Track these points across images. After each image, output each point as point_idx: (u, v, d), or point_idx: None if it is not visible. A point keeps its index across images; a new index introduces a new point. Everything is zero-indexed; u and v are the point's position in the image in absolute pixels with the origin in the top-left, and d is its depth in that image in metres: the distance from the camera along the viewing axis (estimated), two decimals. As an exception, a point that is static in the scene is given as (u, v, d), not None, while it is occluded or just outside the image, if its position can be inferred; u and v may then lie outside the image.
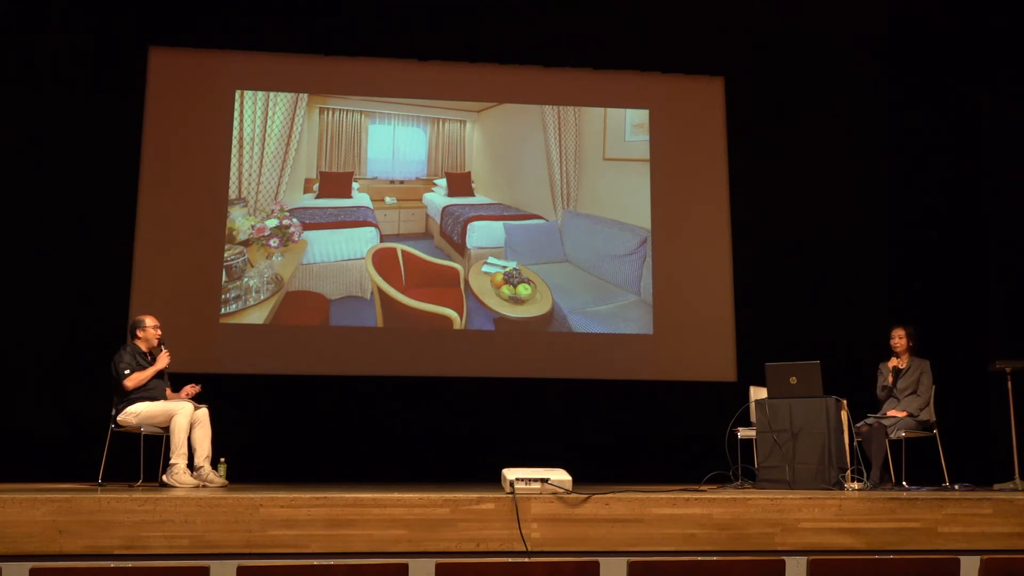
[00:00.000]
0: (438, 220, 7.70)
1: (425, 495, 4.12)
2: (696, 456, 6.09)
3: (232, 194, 7.48)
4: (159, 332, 5.71)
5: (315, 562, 3.34)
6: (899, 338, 6.20)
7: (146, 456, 5.54)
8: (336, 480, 6.44)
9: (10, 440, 6.52)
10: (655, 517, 4.18)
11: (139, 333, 5.69)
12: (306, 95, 7.69)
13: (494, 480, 4.59)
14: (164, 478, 5.33)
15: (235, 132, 7.56)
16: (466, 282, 7.60)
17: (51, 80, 7.22)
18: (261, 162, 7.57)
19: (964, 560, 3.27)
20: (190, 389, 5.68)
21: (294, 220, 7.52)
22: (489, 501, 4.10)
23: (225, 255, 7.37)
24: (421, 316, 7.49)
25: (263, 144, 7.60)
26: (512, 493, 4.15)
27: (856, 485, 5.36)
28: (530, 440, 6.86)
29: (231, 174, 7.50)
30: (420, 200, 7.72)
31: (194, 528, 3.92)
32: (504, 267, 7.67)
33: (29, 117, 7.14)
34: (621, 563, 3.36)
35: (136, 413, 5.43)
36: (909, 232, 7.82)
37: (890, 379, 6.16)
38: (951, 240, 7.81)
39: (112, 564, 3.46)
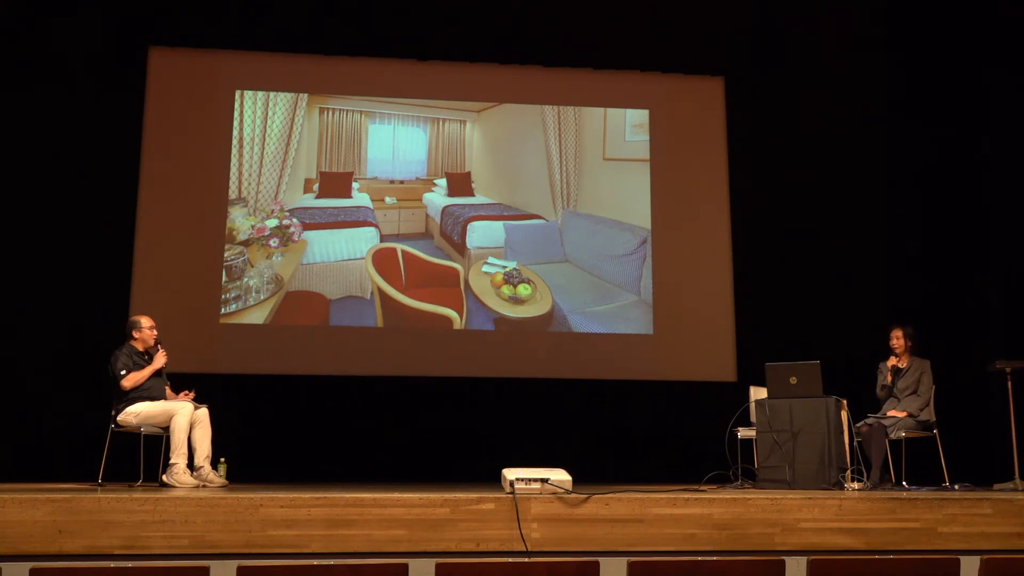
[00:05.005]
0: (438, 220, 7.70)
1: (425, 495, 4.11)
2: (696, 456, 6.09)
3: (232, 194, 7.48)
4: (155, 333, 5.70)
5: (315, 562, 3.33)
6: (897, 338, 6.20)
7: (146, 456, 5.54)
8: (336, 480, 6.44)
9: (10, 440, 6.53)
10: (655, 517, 4.18)
11: (135, 334, 5.68)
12: (306, 95, 7.69)
13: (494, 480, 4.59)
14: (164, 478, 5.33)
15: (235, 132, 7.56)
16: (466, 282, 7.59)
17: (51, 80, 7.22)
18: (261, 162, 7.57)
19: (964, 560, 3.26)
20: (183, 397, 5.63)
21: (294, 220, 7.52)
22: (489, 501, 4.10)
23: (225, 255, 7.37)
24: (421, 316, 7.49)
25: (263, 144, 7.60)
26: (512, 493, 4.15)
27: (856, 485, 5.35)
28: (530, 440, 6.86)
29: (231, 174, 7.50)
30: (420, 200, 7.72)
31: (194, 528, 3.92)
32: (504, 267, 7.67)
33: (29, 117, 7.14)
34: (621, 563, 3.35)
35: (136, 413, 5.43)
36: (909, 232, 7.82)
37: (889, 378, 6.16)
38: (951, 240, 7.80)
39: (112, 564, 3.46)
